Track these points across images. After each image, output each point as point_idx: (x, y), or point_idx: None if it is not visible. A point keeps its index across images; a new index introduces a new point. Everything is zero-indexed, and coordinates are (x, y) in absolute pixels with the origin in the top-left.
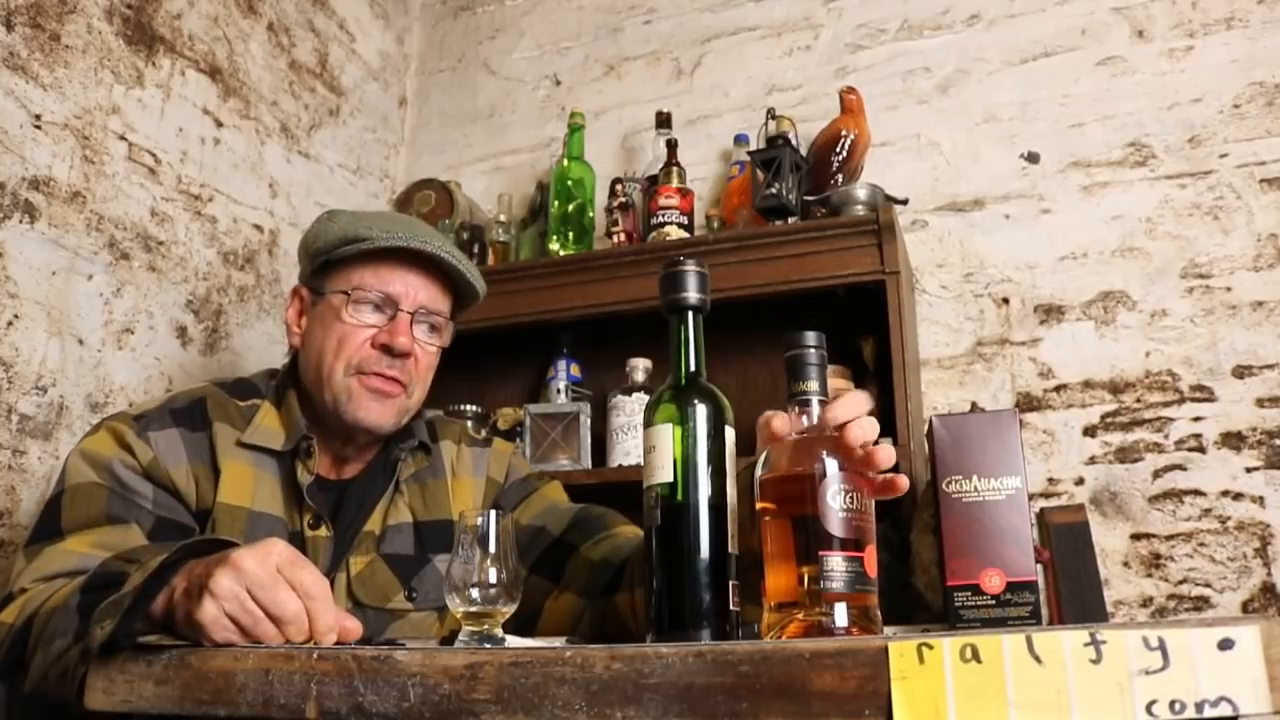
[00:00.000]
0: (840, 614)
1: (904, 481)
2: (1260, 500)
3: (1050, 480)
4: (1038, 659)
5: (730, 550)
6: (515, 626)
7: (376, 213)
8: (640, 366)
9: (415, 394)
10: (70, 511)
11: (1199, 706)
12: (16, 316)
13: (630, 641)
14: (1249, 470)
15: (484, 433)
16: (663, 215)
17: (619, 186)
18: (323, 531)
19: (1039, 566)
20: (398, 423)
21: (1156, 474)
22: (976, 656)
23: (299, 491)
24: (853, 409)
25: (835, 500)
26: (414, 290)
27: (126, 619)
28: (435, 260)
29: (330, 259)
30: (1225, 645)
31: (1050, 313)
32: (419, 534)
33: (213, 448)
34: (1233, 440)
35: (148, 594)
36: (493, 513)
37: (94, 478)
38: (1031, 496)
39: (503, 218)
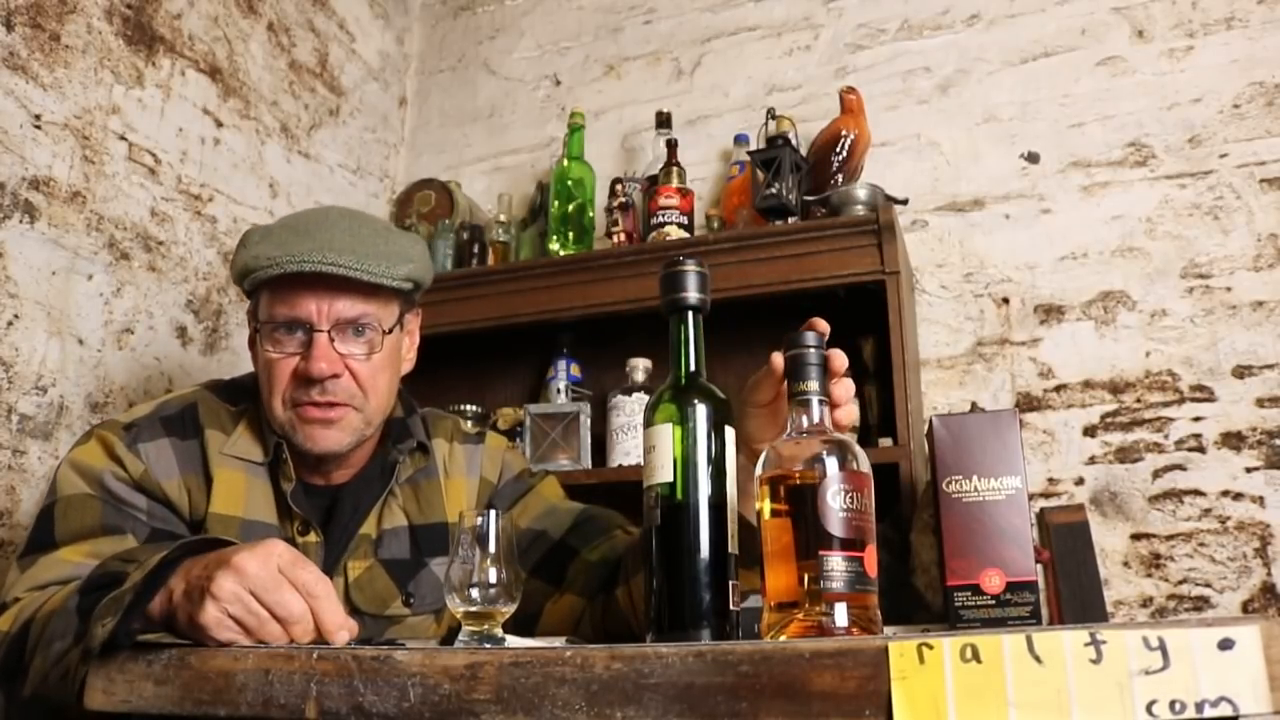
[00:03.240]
0: (840, 614)
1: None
2: (1260, 500)
3: (1050, 480)
4: (1038, 659)
5: (730, 550)
6: (514, 628)
7: (283, 226)
8: (640, 366)
9: (370, 404)
10: (64, 522)
11: (1199, 706)
12: (16, 316)
13: (629, 635)
14: (1249, 470)
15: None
16: (663, 215)
17: (619, 186)
18: (312, 538)
19: (1039, 566)
20: (358, 438)
21: (1156, 474)
22: (976, 656)
23: (286, 502)
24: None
25: (835, 500)
26: (325, 305)
27: (126, 617)
28: (327, 274)
29: (246, 289)
30: (1225, 645)
31: (1050, 313)
32: (415, 538)
33: (204, 456)
34: (1233, 440)
35: (148, 590)
36: (492, 513)
37: (86, 489)
38: (1031, 496)
39: (503, 218)
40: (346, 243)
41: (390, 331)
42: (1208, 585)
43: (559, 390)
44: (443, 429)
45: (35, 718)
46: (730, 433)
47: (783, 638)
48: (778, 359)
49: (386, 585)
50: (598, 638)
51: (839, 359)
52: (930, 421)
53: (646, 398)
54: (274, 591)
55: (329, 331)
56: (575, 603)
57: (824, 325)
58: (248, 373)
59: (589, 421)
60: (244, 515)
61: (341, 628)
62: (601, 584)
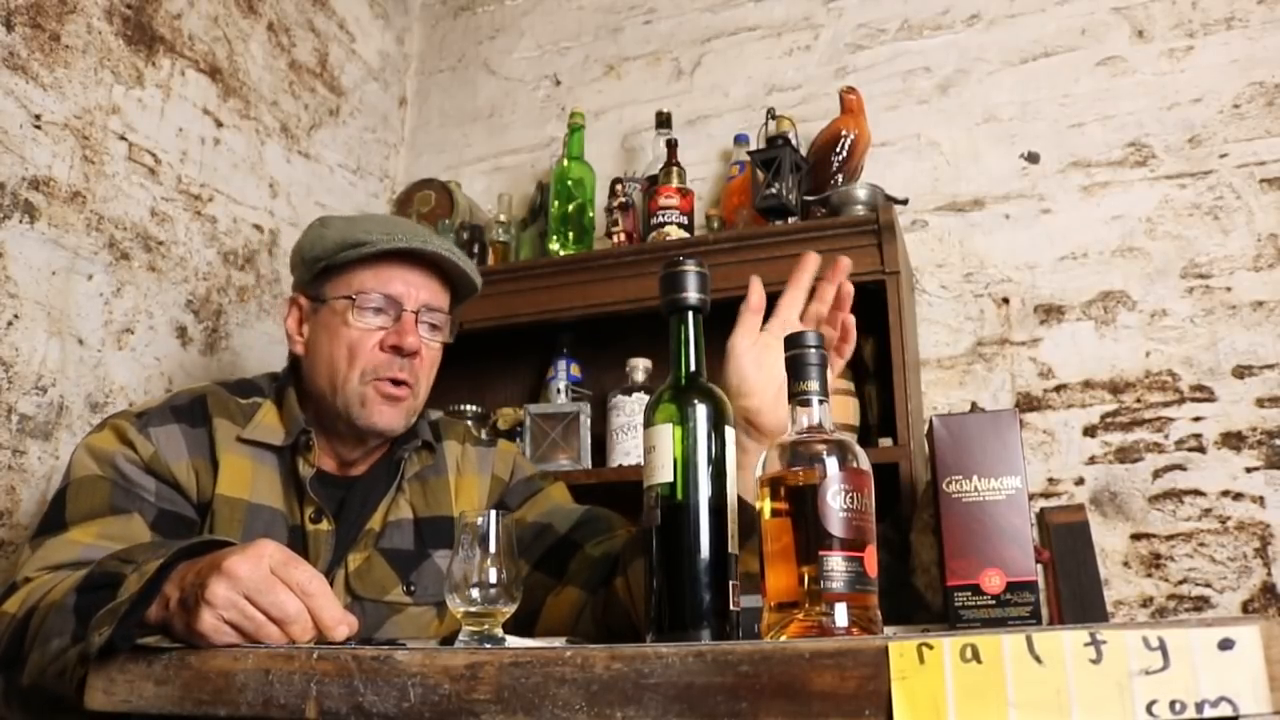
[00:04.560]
0: (840, 614)
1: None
2: (1260, 500)
3: (1050, 480)
4: (1038, 659)
5: (730, 550)
6: (516, 622)
7: (368, 216)
8: (640, 366)
9: (421, 392)
10: (74, 504)
11: (1199, 706)
12: (16, 316)
13: (630, 628)
14: (1249, 470)
15: (484, 433)
16: (663, 215)
17: (619, 186)
18: (324, 525)
19: (1039, 566)
20: (408, 422)
21: (1156, 474)
22: (976, 656)
23: (300, 485)
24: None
25: (835, 500)
26: (415, 290)
27: (122, 625)
28: (435, 259)
29: (330, 265)
30: (1225, 645)
31: (1050, 313)
32: (419, 530)
33: (212, 442)
34: (1233, 440)
35: (144, 600)
36: (493, 513)
37: (97, 470)
38: (1031, 496)
39: (503, 218)
40: (437, 238)
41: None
42: (1208, 585)
43: (559, 390)
44: (455, 432)
45: (35, 703)
46: (730, 433)
47: (783, 638)
48: (756, 283)
49: (386, 573)
50: (598, 632)
51: (847, 288)
52: (930, 421)
53: (646, 398)
54: (268, 593)
55: (416, 313)
56: (576, 597)
57: (846, 261)
58: (259, 374)
59: (589, 421)
60: (250, 499)
61: (340, 623)
62: (602, 579)
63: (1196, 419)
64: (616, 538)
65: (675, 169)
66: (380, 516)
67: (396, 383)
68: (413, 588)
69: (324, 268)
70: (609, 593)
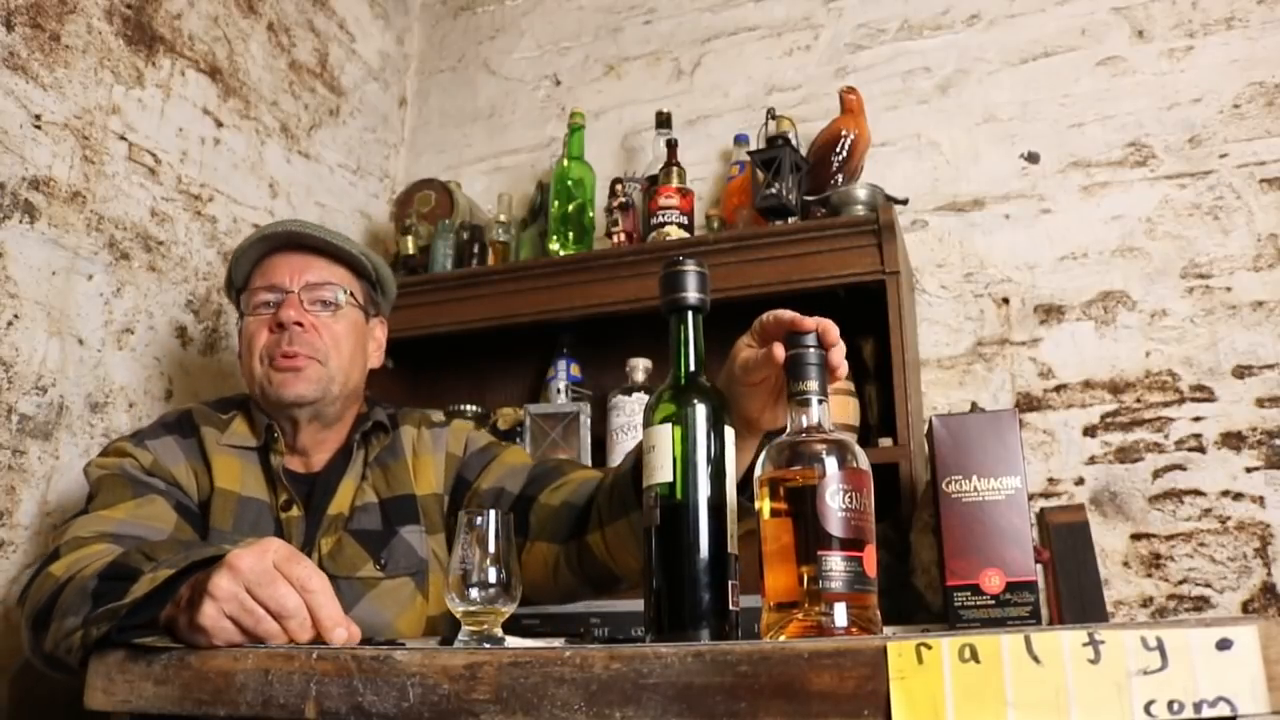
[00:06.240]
0: (840, 614)
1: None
2: (1260, 500)
3: (1050, 480)
4: (1036, 659)
5: (730, 550)
6: None
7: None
8: (640, 366)
9: (332, 361)
10: (99, 499)
11: (1197, 706)
12: (16, 316)
13: (610, 577)
14: (1249, 470)
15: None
16: (663, 215)
17: (619, 186)
18: (294, 512)
19: (1039, 566)
20: (323, 390)
21: (1156, 474)
22: (975, 656)
23: (275, 477)
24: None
25: (835, 500)
26: (296, 272)
27: (120, 625)
28: (301, 239)
29: (238, 287)
30: (1223, 645)
31: (1050, 313)
32: (384, 510)
33: (203, 448)
34: (1233, 440)
35: (146, 606)
36: (492, 512)
37: (110, 472)
38: (1031, 496)
39: (503, 218)
40: (319, 227)
41: (356, 303)
42: (1208, 585)
43: (559, 390)
44: (411, 419)
45: (56, 662)
46: (730, 433)
47: (782, 638)
48: (779, 350)
49: (356, 551)
50: (577, 581)
51: (832, 331)
52: (930, 421)
53: (646, 398)
54: (268, 586)
55: (298, 293)
56: (547, 550)
57: (811, 324)
58: (236, 394)
59: (589, 421)
60: (241, 491)
61: (339, 624)
62: (572, 528)
63: (1196, 419)
64: (571, 480)
65: (675, 169)
66: (346, 502)
67: (288, 355)
68: (384, 562)
69: (237, 291)
70: (582, 545)
